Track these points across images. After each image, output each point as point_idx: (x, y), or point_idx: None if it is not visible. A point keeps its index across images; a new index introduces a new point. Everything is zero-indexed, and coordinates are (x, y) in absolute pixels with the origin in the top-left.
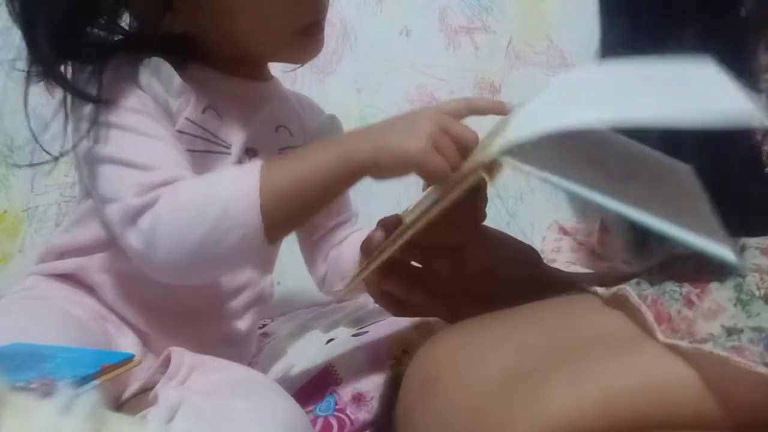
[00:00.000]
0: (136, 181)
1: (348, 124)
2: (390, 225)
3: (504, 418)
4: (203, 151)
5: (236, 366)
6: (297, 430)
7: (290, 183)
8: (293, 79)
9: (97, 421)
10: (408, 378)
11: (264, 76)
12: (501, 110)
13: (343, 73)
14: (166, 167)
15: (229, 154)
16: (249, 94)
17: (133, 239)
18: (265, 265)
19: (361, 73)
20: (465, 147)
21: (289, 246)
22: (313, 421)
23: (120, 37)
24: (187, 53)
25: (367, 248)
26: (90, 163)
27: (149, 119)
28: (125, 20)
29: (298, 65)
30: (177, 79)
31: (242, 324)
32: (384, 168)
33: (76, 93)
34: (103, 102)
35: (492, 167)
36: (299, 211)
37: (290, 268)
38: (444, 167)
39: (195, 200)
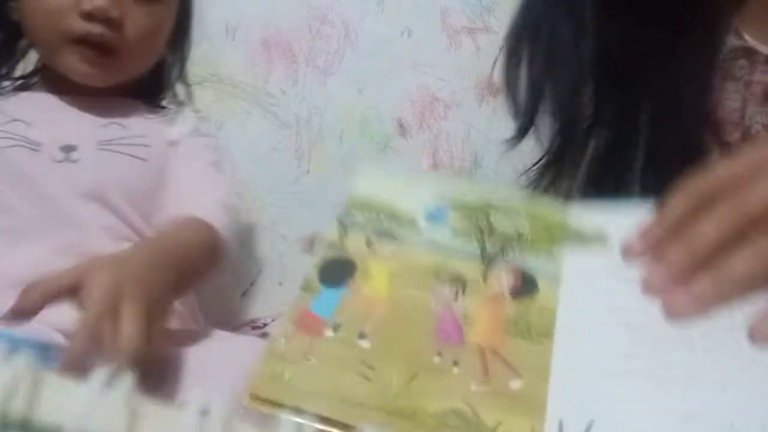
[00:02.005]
0: None
1: (349, 124)
2: None
3: None
4: (10, 147)
5: None
6: None
7: None
8: (294, 80)
9: (134, 403)
10: None
11: (97, 91)
12: None
13: (344, 73)
14: None
15: (36, 150)
16: (71, 104)
17: None
18: None
19: (363, 74)
20: None
21: (292, 246)
22: None
23: None
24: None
25: None
26: None
27: None
28: None
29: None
30: None
31: None
32: None
33: None
34: None
35: None
36: None
37: (291, 268)
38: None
39: None
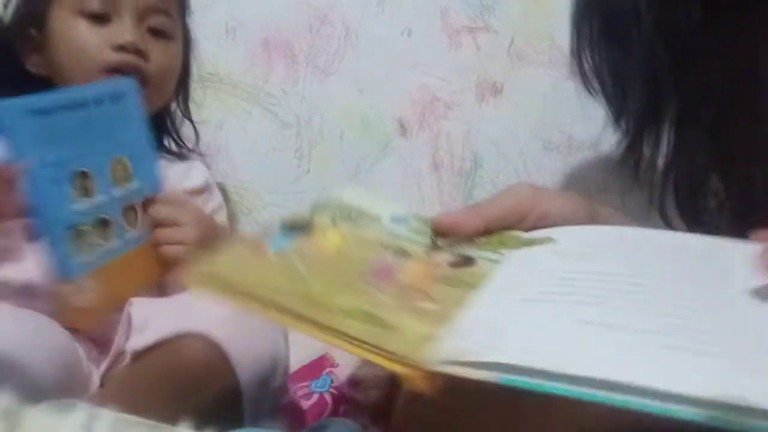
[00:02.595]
0: None
1: (350, 124)
2: None
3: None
4: None
5: None
6: None
7: None
8: (295, 80)
9: None
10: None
11: None
12: None
13: (344, 73)
14: None
15: None
16: None
17: None
18: None
19: (363, 74)
20: None
21: None
22: (308, 396)
23: None
24: None
25: None
26: None
27: None
28: None
29: None
30: None
31: None
32: None
33: None
34: None
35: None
36: None
37: None
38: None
39: None
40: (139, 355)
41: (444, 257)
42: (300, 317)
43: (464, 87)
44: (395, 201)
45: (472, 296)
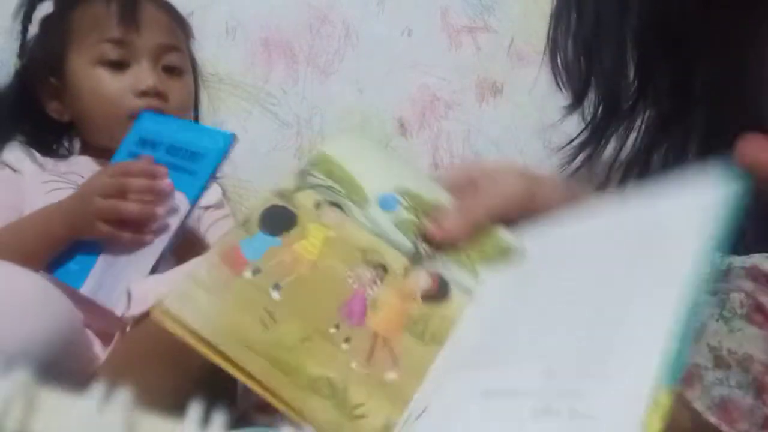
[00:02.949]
0: None
1: (350, 124)
2: None
3: None
4: (68, 188)
5: None
6: None
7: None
8: (295, 79)
9: (130, 420)
10: None
11: None
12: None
13: (344, 73)
14: None
15: None
16: None
17: None
18: None
19: (363, 74)
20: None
21: None
22: None
23: None
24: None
25: None
26: None
27: None
28: None
29: None
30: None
31: None
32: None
33: None
34: None
35: None
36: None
37: None
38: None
39: None
40: (137, 322)
41: (420, 281)
42: (260, 380)
43: (464, 87)
44: (385, 164)
45: (433, 357)
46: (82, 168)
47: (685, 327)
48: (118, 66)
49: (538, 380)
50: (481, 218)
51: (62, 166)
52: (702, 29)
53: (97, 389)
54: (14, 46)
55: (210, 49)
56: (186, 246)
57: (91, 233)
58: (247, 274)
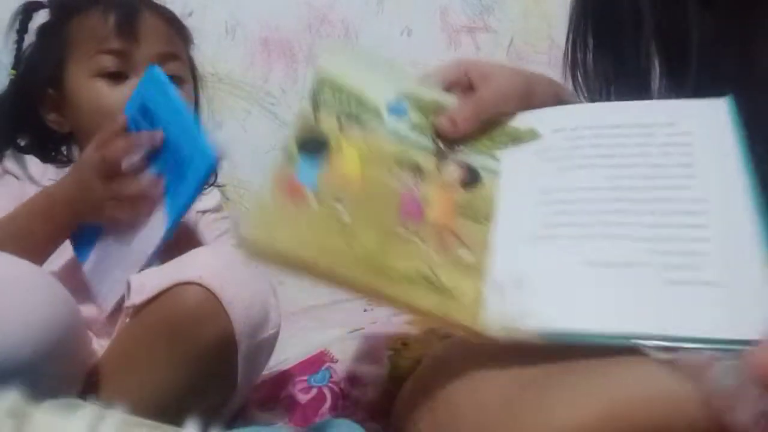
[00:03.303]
0: None
1: None
2: None
3: (509, 429)
4: None
5: None
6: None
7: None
8: (294, 79)
9: None
10: (414, 381)
11: None
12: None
13: None
14: None
15: None
16: None
17: None
18: None
19: None
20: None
21: None
22: (306, 390)
23: None
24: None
25: None
26: None
27: None
28: None
29: None
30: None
31: None
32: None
33: None
34: None
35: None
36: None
37: None
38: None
39: None
40: (137, 311)
41: (452, 172)
42: (362, 286)
43: None
44: (377, 69)
45: (490, 235)
46: None
47: (757, 202)
48: (117, 77)
49: (647, 254)
50: (487, 110)
51: (63, 173)
52: (708, 34)
53: (90, 408)
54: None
55: (209, 49)
56: (180, 245)
57: (98, 218)
58: (311, 198)
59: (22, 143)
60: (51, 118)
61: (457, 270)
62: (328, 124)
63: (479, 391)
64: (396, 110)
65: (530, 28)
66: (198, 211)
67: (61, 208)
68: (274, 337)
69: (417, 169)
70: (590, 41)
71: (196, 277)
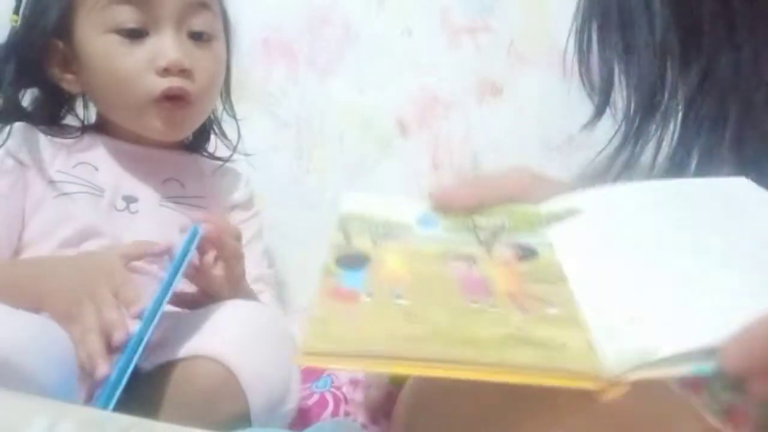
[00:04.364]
0: None
1: (350, 124)
2: None
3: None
4: (77, 192)
5: None
6: None
7: None
8: (295, 79)
9: None
10: (415, 383)
11: (157, 143)
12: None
13: (344, 73)
14: None
15: (101, 196)
16: (133, 155)
17: None
18: None
19: (363, 74)
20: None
21: (293, 246)
22: (309, 396)
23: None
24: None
25: None
26: None
27: None
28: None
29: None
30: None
31: None
32: None
33: None
34: None
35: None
36: None
37: (292, 269)
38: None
39: None
40: (150, 375)
41: (504, 253)
42: (448, 361)
43: (464, 87)
44: (401, 197)
45: (570, 289)
46: (96, 157)
47: None
48: (135, 35)
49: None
50: (485, 191)
51: (74, 153)
52: (722, 26)
53: (48, 407)
54: None
55: None
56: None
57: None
58: (364, 297)
59: (29, 108)
60: (59, 75)
61: (550, 325)
62: (362, 244)
63: (480, 394)
64: (426, 222)
65: (531, 29)
66: (225, 207)
67: (32, 298)
68: (293, 410)
69: (467, 258)
70: (595, 36)
71: (216, 354)
